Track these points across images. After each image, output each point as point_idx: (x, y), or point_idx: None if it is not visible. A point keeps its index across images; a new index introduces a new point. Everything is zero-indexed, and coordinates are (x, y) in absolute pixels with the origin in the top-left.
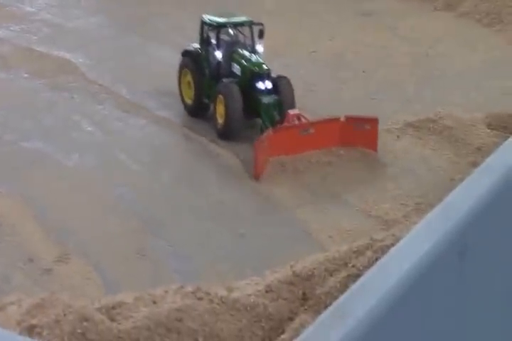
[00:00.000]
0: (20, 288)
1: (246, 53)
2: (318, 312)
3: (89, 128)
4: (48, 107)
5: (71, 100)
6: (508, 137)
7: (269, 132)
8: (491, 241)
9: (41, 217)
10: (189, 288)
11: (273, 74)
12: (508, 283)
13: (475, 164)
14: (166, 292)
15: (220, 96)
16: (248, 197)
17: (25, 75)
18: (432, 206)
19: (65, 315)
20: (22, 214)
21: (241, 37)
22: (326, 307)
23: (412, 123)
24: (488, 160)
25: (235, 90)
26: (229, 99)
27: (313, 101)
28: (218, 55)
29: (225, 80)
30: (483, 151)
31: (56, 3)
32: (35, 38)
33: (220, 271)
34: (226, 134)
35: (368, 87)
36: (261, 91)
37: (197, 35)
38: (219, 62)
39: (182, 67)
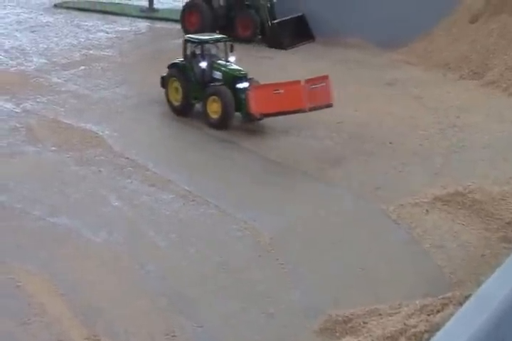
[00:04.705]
0: None
1: (223, 63)
2: None
3: (116, 203)
4: (76, 181)
5: (98, 174)
6: None
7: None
8: None
9: (69, 296)
10: None
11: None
12: None
13: (506, 239)
14: None
15: (215, 97)
16: (276, 275)
17: (53, 148)
18: (462, 282)
19: None
20: (50, 292)
21: (216, 51)
22: None
23: (441, 197)
24: None
25: (228, 91)
26: (225, 98)
27: (341, 174)
28: (203, 64)
29: (213, 84)
30: None
31: (82, 73)
32: (62, 109)
33: None
34: (222, 125)
35: (395, 159)
36: (240, 90)
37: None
38: (204, 70)
39: (169, 76)
